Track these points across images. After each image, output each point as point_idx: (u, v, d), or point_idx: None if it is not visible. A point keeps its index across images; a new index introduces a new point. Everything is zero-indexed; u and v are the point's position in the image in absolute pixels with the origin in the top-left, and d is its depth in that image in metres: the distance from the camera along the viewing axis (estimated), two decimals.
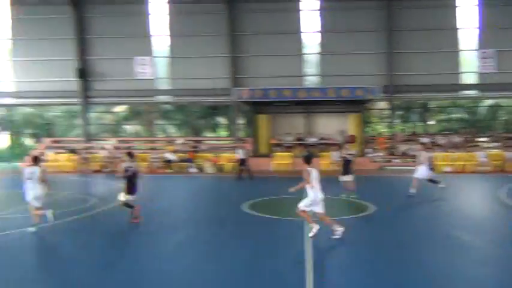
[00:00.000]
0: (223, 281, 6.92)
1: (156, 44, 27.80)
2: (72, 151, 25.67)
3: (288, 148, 25.14)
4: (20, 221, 11.38)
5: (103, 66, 27.59)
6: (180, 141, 27.11)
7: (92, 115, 29.97)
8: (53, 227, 10.45)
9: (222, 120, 35.96)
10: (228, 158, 23.83)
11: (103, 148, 25.25)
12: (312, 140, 25.37)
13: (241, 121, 29.51)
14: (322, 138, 25.42)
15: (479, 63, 26.60)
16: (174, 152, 24.84)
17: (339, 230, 8.91)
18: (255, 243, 8.98)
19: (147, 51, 27.48)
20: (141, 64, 27.41)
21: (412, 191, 13.79)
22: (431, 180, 14.30)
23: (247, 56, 27.17)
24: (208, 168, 23.60)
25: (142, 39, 27.32)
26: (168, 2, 27.23)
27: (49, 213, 10.07)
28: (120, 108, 34.60)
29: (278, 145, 25.50)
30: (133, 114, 35.24)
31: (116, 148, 25.49)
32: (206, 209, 13.47)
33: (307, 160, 9.12)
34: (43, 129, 30.34)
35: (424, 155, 14.41)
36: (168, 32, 27.43)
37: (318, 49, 27.63)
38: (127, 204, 10.85)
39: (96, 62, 27.56)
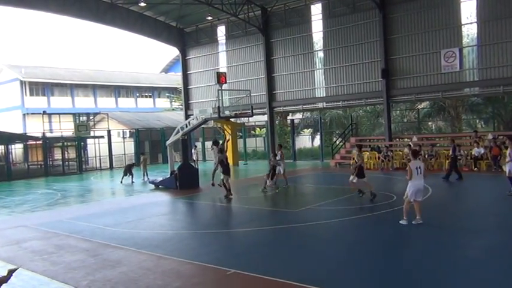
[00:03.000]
0: None
1: (465, 33, 25.87)
2: (374, 149, 26.70)
3: None
4: (330, 212, 12.84)
5: (405, 64, 27.65)
6: (489, 136, 24.40)
7: (394, 113, 30.37)
8: (362, 218, 11.40)
9: None
10: None
11: (408, 145, 25.32)
12: None
13: None
14: None
15: None
16: (483, 148, 22.63)
17: None
18: None
19: (454, 42, 25.90)
20: (448, 57, 26.03)
21: None
22: None
23: None
24: None
25: (449, 30, 25.86)
26: None
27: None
28: (422, 105, 33.90)
29: None
30: (436, 110, 33.88)
31: (418, 145, 25.08)
32: None
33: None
34: (349, 129, 32.84)
35: None
36: (477, 18, 25.03)
37: None
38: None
39: (398, 60, 27.84)
